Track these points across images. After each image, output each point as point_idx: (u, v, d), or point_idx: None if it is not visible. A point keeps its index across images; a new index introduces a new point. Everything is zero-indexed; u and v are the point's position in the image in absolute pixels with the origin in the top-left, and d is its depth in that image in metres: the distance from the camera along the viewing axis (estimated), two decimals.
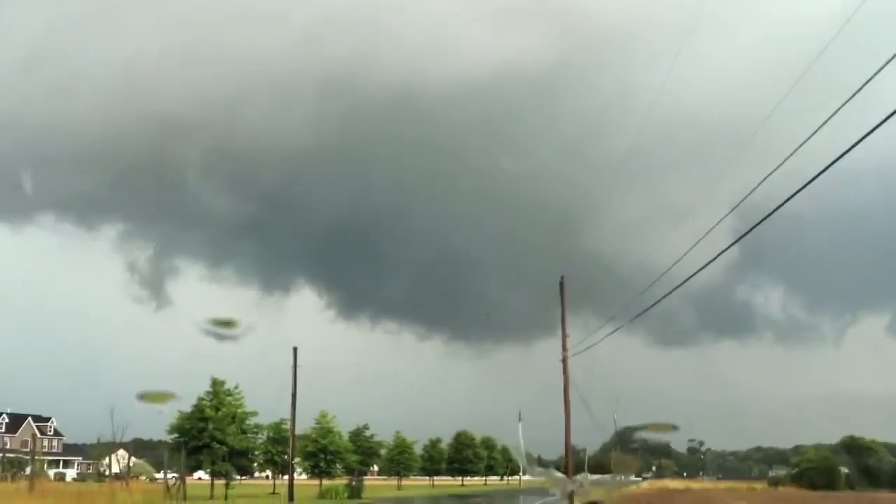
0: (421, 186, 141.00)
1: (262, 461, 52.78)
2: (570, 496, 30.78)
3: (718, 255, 18.77)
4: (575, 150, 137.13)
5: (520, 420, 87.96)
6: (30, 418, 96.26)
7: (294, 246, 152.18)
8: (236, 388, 45.14)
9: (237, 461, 44.32)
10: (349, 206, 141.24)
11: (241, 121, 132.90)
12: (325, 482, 54.91)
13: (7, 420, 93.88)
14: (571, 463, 36.17)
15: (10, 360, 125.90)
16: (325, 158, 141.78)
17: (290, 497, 39.93)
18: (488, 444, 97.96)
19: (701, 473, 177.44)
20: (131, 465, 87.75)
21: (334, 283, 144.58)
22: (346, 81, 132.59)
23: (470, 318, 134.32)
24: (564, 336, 36.71)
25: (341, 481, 54.44)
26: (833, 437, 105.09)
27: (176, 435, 44.07)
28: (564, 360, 35.82)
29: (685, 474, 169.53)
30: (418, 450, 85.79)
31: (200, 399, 44.08)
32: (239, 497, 44.70)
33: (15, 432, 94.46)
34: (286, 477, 62.26)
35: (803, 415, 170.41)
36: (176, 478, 39.86)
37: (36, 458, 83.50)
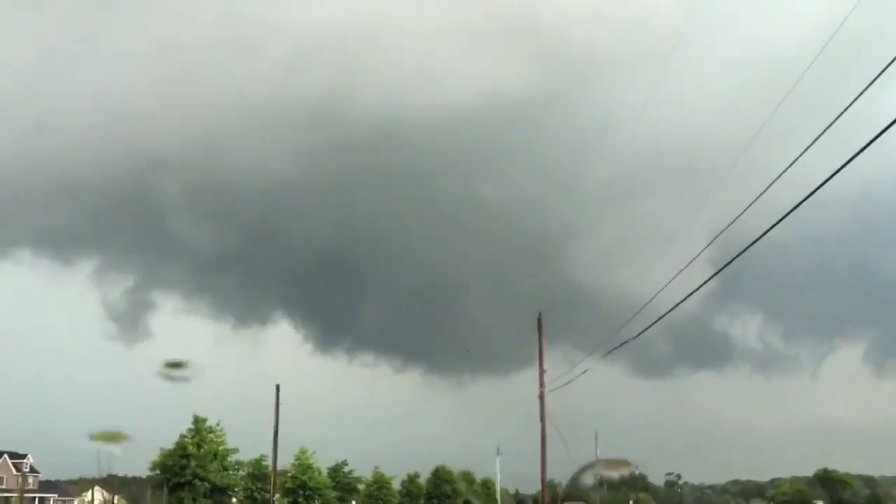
0: (400, 217, 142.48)
1: (241, 497, 53.67)
2: None
3: (700, 286, 19.09)
4: (556, 176, 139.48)
5: (498, 454, 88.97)
6: (6, 455, 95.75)
7: (272, 278, 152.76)
8: (218, 425, 46.22)
9: (218, 498, 45.37)
10: (328, 239, 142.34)
11: (221, 154, 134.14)
12: None
13: None
14: (548, 497, 37.51)
15: None
16: (305, 190, 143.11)
17: None
18: (467, 478, 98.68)
19: None
20: (112, 501, 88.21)
21: (311, 315, 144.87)
22: (327, 113, 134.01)
23: (448, 350, 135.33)
24: (542, 371, 38.11)
25: None
26: (811, 468, 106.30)
27: (157, 471, 44.93)
28: (542, 396, 37.21)
29: None
30: (396, 485, 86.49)
31: (182, 436, 45.06)
32: None
33: None
34: None
35: (780, 446, 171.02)
36: None
37: (20, 494, 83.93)
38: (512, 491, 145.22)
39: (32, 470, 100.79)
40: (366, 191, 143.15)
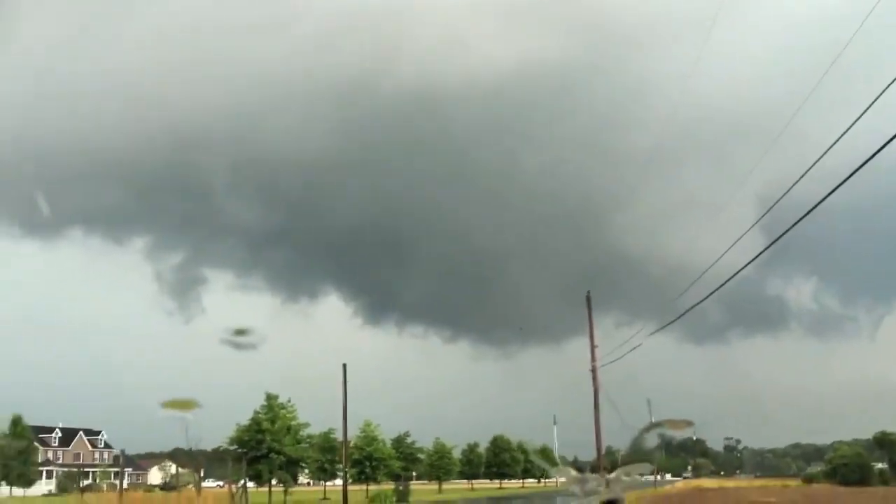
0: (442, 188, 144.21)
1: (313, 469, 56.72)
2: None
3: (760, 253, 19.16)
4: (597, 146, 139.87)
5: (555, 423, 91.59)
6: (81, 432, 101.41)
7: (319, 252, 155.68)
8: (289, 401, 49.21)
9: (292, 469, 48.55)
10: (373, 211, 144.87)
11: (262, 132, 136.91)
12: (372, 487, 58.79)
13: (60, 435, 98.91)
14: (604, 465, 39.69)
15: (51, 375, 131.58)
16: (345, 165, 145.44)
17: (345, 501, 44.03)
18: (524, 447, 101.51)
19: (738, 472, 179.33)
20: (178, 474, 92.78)
21: (359, 288, 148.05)
22: (365, 87, 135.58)
23: (496, 320, 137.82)
24: (592, 347, 40.25)
25: (388, 486, 58.36)
26: (871, 431, 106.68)
27: (235, 446, 48.10)
28: (594, 370, 39.34)
29: (722, 473, 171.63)
30: (456, 454, 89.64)
31: (256, 412, 48.13)
32: (295, 503, 48.66)
33: (68, 446, 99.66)
34: (328, 483, 66.87)
35: (840, 409, 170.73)
36: (240, 485, 44.00)
37: (99, 470, 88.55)
38: (570, 458, 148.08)
39: (106, 445, 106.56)
40: (407, 164, 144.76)
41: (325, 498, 54.76)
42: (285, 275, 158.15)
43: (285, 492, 48.99)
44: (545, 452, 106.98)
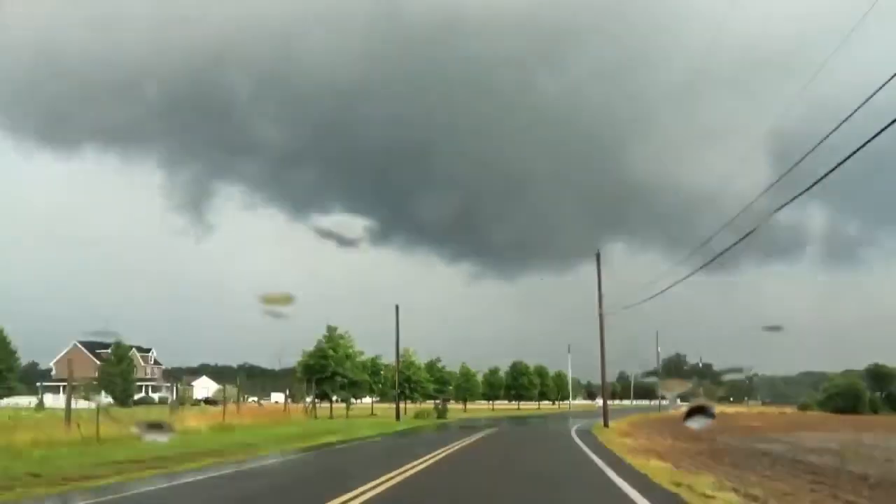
0: (461, 112, 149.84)
1: (369, 390, 68.57)
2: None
3: (798, 195, 18.77)
4: (618, 74, 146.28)
5: (569, 352, 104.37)
6: (134, 349, 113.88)
7: (330, 173, 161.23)
8: (346, 332, 60.77)
9: (352, 390, 60.46)
10: (396, 134, 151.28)
11: (291, 52, 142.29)
12: (410, 405, 70.82)
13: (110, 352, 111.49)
14: (607, 395, 50.64)
15: (89, 289, 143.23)
16: (372, 87, 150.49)
17: (398, 416, 56.31)
18: (541, 372, 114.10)
19: (746, 398, 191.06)
20: (218, 390, 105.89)
21: (371, 208, 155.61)
22: (393, 12, 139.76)
23: (516, 244, 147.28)
24: (600, 296, 50.66)
25: (425, 405, 70.54)
26: (889, 360, 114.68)
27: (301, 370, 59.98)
28: (601, 317, 50.05)
29: (731, 399, 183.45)
30: (479, 378, 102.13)
31: (319, 341, 59.66)
32: (350, 418, 60.61)
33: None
34: (371, 401, 79.16)
35: (855, 338, 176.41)
36: (310, 401, 56.02)
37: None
38: (584, 383, 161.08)
39: (156, 362, 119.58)
40: (430, 88, 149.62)
41: (372, 414, 66.68)
42: (303, 195, 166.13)
43: (348, 407, 61.20)
44: (559, 379, 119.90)
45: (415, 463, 18.90)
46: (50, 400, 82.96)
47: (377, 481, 14.31)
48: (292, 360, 61.64)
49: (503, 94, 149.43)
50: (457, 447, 26.25)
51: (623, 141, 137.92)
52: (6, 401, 71.48)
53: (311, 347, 59.75)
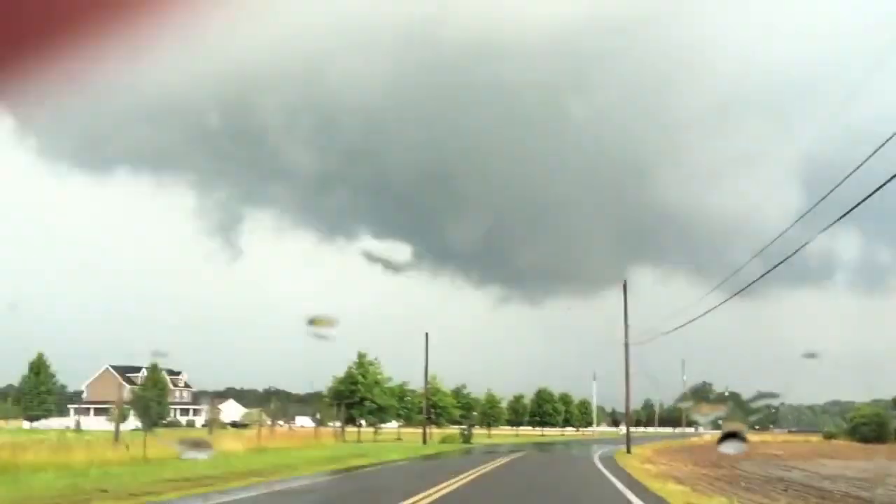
0: (490, 137, 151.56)
1: (395, 415, 70.10)
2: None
3: (828, 227, 19.57)
4: (646, 102, 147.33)
5: (594, 379, 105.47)
6: (164, 372, 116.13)
7: (359, 196, 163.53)
8: (376, 359, 62.43)
9: (379, 415, 62.05)
10: (425, 158, 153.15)
11: (323, 76, 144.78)
12: (436, 430, 72.18)
13: (145, 374, 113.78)
14: (631, 423, 51.75)
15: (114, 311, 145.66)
16: (402, 112, 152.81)
17: (424, 441, 57.81)
18: (565, 399, 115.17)
19: (771, 426, 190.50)
20: (246, 413, 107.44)
21: (402, 231, 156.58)
22: (420, 34, 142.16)
23: (539, 272, 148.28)
24: (626, 327, 52.04)
25: (450, 430, 71.87)
26: None
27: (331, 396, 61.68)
28: (626, 347, 51.37)
29: (757, 427, 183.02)
30: (504, 404, 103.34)
31: (349, 368, 61.39)
32: (377, 441, 62.12)
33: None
34: (396, 426, 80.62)
35: (887, 366, 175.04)
36: (340, 425, 57.62)
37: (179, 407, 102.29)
38: (608, 410, 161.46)
39: (186, 385, 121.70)
40: (460, 112, 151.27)
41: (398, 438, 68.07)
42: (331, 217, 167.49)
43: (375, 432, 62.78)
44: (584, 406, 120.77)
45: (447, 483, 20.38)
46: (83, 422, 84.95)
47: (414, 498, 15.83)
48: (318, 384, 63.68)
49: (532, 117, 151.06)
50: (484, 470, 27.68)
51: (651, 166, 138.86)
52: (40, 423, 73.47)
53: (340, 373, 61.59)
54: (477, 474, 25.54)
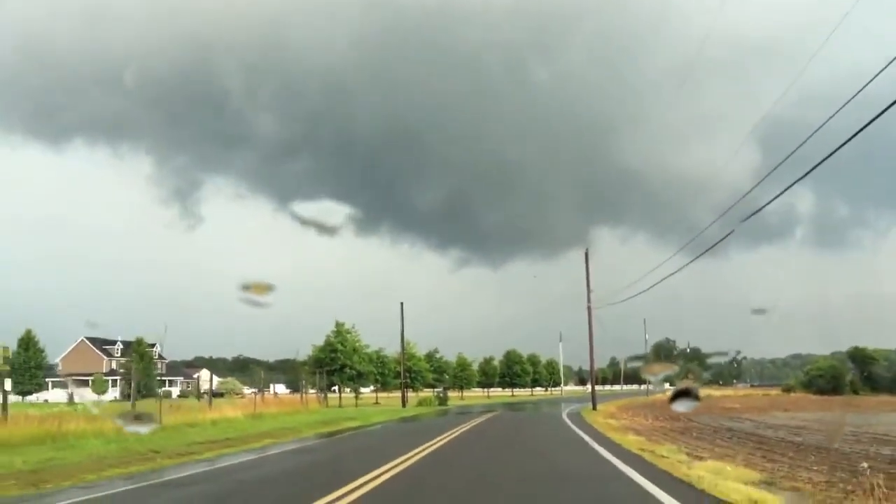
0: (454, 98, 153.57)
1: (374, 380, 73.90)
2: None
3: (789, 187, 19.35)
4: (611, 65, 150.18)
5: (560, 340, 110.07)
6: (133, 343, 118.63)
7: (325, 162, 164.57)
8: (353, 327, 65.97)
9: (359, 381, 65.83)
10: (390, 123, 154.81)
11: (285, 40, 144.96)
12: (411, 394, 76.10)
13: (122, 347, 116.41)
14: (597, 382, 55.56)
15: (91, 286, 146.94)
16: (366, 76, 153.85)
17: (403, 404, 61.73)
18: (533, 360, 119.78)
19: (734, 381, 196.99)
20: (221, 382, 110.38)
21: (359, 195, 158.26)
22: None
23: (504, 232, 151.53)
24: (589, 292, 55.73)
25: (428, 393, 75.85)
26: (879, 341, 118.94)
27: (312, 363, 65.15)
28: (589, 310, 55.16)
29: (720, 382, 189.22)
30: (475, 367, 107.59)
31: (328, 337, 64.84)
32: (359, 406, 65.92)
33: (128, 357, 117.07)
34: (373, 390, 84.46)
35: (845, 319, 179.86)
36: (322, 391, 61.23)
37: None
38: (576, 369, 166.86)
39: (160, 357, 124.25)
40: (425, 77, 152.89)
41: (377, 402, 71.92)
42: (293, 183, 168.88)
43: (357, 397, 66.60)
44: (551, 366, 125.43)
45: (436, 439, 24.10)
46: (62, 395, 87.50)
47: (414, 451, 19.47)
48: (287, 350, 67.41)
49: (495, 79, 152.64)
50: (465, 428, 31.45)
51: (614, 128, 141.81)
52: (35, 396, 76.14)
53: (318, 342, 65.09)
54: (460, 431, 29.26)
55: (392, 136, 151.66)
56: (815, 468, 17.18)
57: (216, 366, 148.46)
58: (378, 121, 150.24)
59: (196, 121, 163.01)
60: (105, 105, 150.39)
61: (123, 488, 13.92)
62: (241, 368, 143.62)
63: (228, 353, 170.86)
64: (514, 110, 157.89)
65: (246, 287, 5.28)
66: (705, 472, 14.35)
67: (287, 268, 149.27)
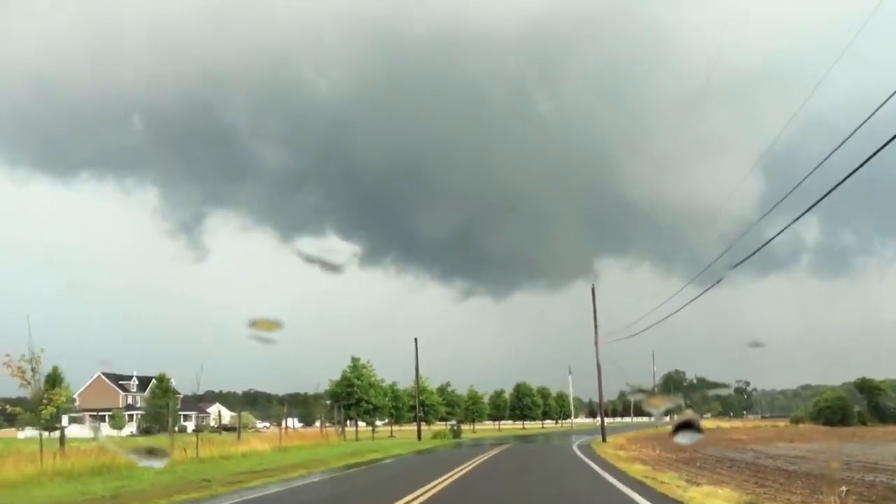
0: (458, 131, 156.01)
1: (387, 413, 76.26)
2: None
3: (797, 218, 19.89)
4: (611, 92, 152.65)
5: (569, 373, 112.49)
6: (154, 379, 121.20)
7: (330, 194, 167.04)
8: (369, 362, 68.43)
9: (375, 414, 68.22)
10: (396, 153, 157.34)
11: (288, 73, 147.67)
12: (424, 427, 78.30)
13: (137, 382, 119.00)
14: (606, 415, 57.74)
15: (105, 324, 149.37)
16: (373, 106, 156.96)
17: (419, 437, 64.00)
18: (543, 393, 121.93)
19: (744, 413, 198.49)
20: (233, 417, 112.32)
21: (364, 228, 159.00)
22: (394, 29, 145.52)
23: (509, 264, 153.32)
24: (596, 330, 58.11)
25: (441, 426, 78.07)
26: (888, 371, 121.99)
27: (328, 398, 67.55)
28: (596, 346, 57.45)
29: (731, 414, 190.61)
30: (485, 400, 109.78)
31: (344, 371, 67.27)
32: (376, 439, 68.16)
33: (144, 391, 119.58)
34: (387, 424, 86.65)
35: (853, 350, 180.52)
36: (339, 424, 63.59)
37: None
38: (585, 401, 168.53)
39: (174, 392, 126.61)
40: (426, 106, 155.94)
41: (391, 435, 74.13)
42: (298, 215, 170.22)
43: (373, 430, 68.99)
44: (561, 398, 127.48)
45: (458, 469, 26.53)
46: (80, 430, 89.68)
47: (440, 479, 21.92)
48: (299, 384, 69.91)
49: (499, 109, 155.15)
50: (483, 459, 33.84)
51: (616, 155, 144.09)
52: (56, 432, 78.03)
53: (329, 375, 67.79)
54: (479, 461, 31.65)
55: (396, 168, 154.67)
56: (798, 492, 19.53)
57: (227, 400, 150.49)
58: (382, 153, 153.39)
59: (201, 155, 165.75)
60: (112, 140, 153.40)
61: (239, 500, 16.52)
62: (252, 402, 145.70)
63: (237, 387, 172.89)
64: (518, 139, 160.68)
65: (253, 324, 5.20)
66: (697, 494, 16.81)
67: (292, 299, 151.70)
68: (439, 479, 21.40)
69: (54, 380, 79.57)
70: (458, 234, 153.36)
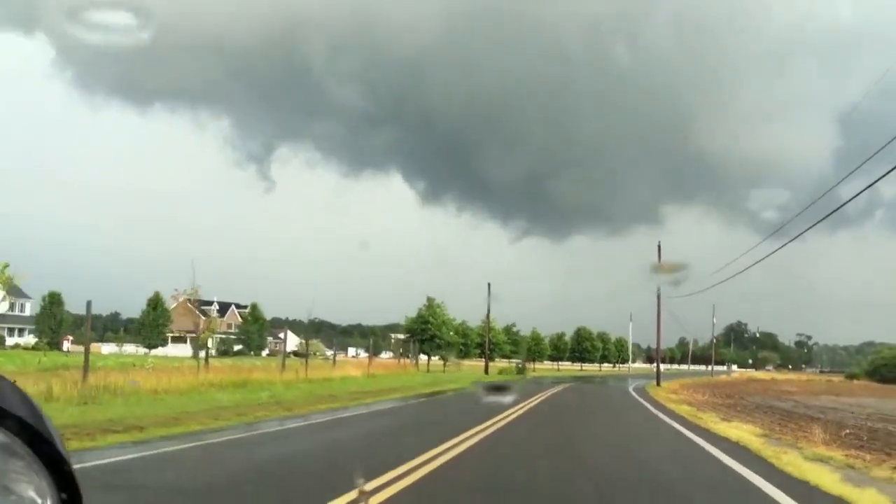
0: (539, 80, 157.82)
1: (457, 350, 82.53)
2: None
3: (877, 179, 20.91)
4: (698, 42, 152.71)
5: (630, 320, 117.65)
6: (233, 305, 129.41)
7: (404, 135, 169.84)
8: (442, 302, 74.45)
9: (447, 350, 74.49)
10: (475, 102, 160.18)
11: (368, 16, 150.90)
12: (490, 364, 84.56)
13: (218, 307, 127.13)
14: (663, 361, 62.48)
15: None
16: (453, 55, 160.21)
17: (486, 371, 70.29)
18: (603, 338, 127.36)
19: (803, 366, 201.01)
20: (301, 344, 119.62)
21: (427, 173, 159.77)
22: None
23: (582, 210, 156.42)
24: (659, 296, 62.24)
25: (504, 363, 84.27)
26: None
27: (406, 333, 73.95)
28: (658, 299, 62.26)
29: (790, 367, 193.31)
30: (546, 341, 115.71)
31: (420, 309, 73.43)
32: (447, 372, 74.41)
33: (223, 317, 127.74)
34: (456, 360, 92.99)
35: None
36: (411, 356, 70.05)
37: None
38: (644, 347, 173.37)
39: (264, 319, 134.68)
40: (503, 52, 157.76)
41: (459, 369, 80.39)
42: (370, 154, 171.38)
43: (445, 364, 75.30)
44: (620, 343, 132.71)
45: (537, 395, 32.24)
46: (178, 350, 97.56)
47: (524, 403, 27.59)
48: (356, 315, 76.04)
49: (577, 57, 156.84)
50: (553, 391, 39.56)
51: (695, 107, 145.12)
52: (160, 350, 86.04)
53: (404, 312, 74.01)
54: (549, 393, 37.38)
55: (472, 112, 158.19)
56: (802, 433, 24.64)
57: (295, 327, 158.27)
58: (458, 96, 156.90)
59: (277, 93, 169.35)
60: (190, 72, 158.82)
61: (367, 411, 22.51)
62: (317, 330, 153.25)
63: (300, 315, 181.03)
64: (595, 88, 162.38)
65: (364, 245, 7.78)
66: (725, 427, 22.14)
67: (354, 235, 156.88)
68: (523, 404, 27.06)
69: (155, 303, 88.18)
70: (531, 180, 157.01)
